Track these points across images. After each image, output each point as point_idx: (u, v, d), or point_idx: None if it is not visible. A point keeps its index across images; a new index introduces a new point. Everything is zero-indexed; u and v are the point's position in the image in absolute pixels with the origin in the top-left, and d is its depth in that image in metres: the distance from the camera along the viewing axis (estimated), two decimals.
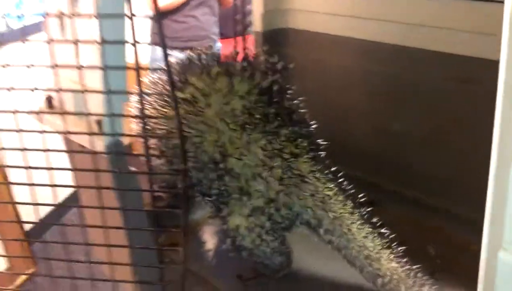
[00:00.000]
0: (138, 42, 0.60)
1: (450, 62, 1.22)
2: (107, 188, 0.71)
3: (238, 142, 1.00)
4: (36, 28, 1.80)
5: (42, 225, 2.12)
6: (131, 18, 0.58)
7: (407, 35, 1.29)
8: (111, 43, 0.62)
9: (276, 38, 1.49)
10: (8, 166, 0.75)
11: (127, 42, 0.63)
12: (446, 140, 1.33)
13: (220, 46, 2.44)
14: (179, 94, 1.03)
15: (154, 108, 1.10)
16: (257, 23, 1.47)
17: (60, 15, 0.66)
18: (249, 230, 1.03)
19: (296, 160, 1.03)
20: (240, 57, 1.13)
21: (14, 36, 1.64)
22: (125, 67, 0.65)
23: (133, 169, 0.82)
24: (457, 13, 1.19)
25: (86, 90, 0.67)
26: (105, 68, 0.61)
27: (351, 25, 1.40)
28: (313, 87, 1.38)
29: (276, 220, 1.03)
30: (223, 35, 2.47)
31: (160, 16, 0.69)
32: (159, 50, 2.20)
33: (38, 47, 0.64)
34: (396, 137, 1.40)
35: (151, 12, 2.18)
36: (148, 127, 1.12)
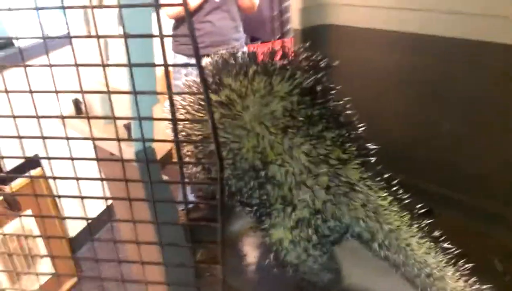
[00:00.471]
0: (165, 36, 0.52)
1: None
2: (138, 200, 0.64)
3: (280, 148, 0.92)
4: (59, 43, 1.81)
5: (77, 239, 2.11)
6: (156, 8, 0.51)
7: (463, 26, 1.16)
8: (135, 36, 0.55)
9: (316, 36, 1.39)
10: (44, 177, 0.69)
11: (153, 35, 0.55)
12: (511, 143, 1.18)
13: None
14: (214, 97, 0.96)
15: (189, 112, 1.03)
16: (295, 20, 1.39)
17: (84, 8, 0.60)
18: (294, 244, 0.94)
19: (344, 166, 0.93)
20: (278, 55, 1.05)
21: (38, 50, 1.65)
22: (152, 64, 0.58)
23: (166, 177, 0.75)
24: None
25: (111, 92, 0.60)
26: (130, 65, 0.54)
27: (398, 18, 1.28)
28: (359, 87, 1.28)
29: (323, 233, 0.94)
30: (258, 40, 2.39)
31: (190, 14, 0.61)
32: (180, 59, 2.17)
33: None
34: (454, 140, 1.27)
35: (171, 21, 2.14)
36: (182, 133, 1.06)
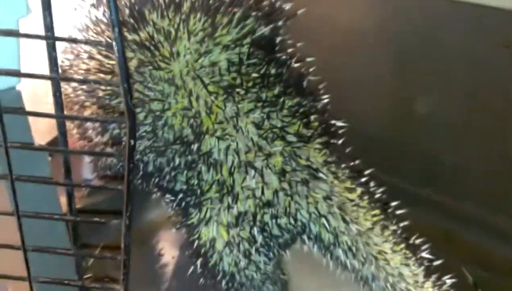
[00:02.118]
0: None
1: None
2: None
3: (220, 114, 0.73)
4: None
5: None
6: None
7: None
8: None
9: None
10: None
11: None
12: (493, 131, 1.09)
13: None
14: (131, 37, 0.75)
15: (93, 57, 0.81)
16: None
17: None
18: (231, 246, 0.77)
19: (305, 145, 0.76)
20: None
21: None
22: None
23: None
24: None
25: None
26: None
27: None
28: (324, 48, 1.11)
29: (272, 233, 0.77)
30: None
31: None
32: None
33: None
34: (434, 124, 1.16)
35: None
36: (84, 87, 0.84)
